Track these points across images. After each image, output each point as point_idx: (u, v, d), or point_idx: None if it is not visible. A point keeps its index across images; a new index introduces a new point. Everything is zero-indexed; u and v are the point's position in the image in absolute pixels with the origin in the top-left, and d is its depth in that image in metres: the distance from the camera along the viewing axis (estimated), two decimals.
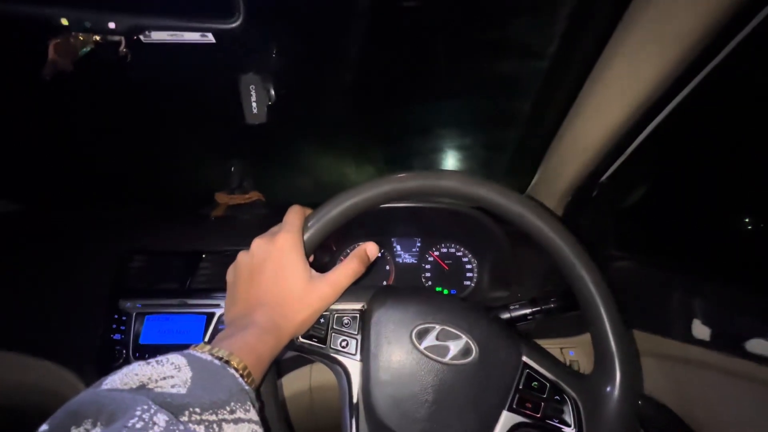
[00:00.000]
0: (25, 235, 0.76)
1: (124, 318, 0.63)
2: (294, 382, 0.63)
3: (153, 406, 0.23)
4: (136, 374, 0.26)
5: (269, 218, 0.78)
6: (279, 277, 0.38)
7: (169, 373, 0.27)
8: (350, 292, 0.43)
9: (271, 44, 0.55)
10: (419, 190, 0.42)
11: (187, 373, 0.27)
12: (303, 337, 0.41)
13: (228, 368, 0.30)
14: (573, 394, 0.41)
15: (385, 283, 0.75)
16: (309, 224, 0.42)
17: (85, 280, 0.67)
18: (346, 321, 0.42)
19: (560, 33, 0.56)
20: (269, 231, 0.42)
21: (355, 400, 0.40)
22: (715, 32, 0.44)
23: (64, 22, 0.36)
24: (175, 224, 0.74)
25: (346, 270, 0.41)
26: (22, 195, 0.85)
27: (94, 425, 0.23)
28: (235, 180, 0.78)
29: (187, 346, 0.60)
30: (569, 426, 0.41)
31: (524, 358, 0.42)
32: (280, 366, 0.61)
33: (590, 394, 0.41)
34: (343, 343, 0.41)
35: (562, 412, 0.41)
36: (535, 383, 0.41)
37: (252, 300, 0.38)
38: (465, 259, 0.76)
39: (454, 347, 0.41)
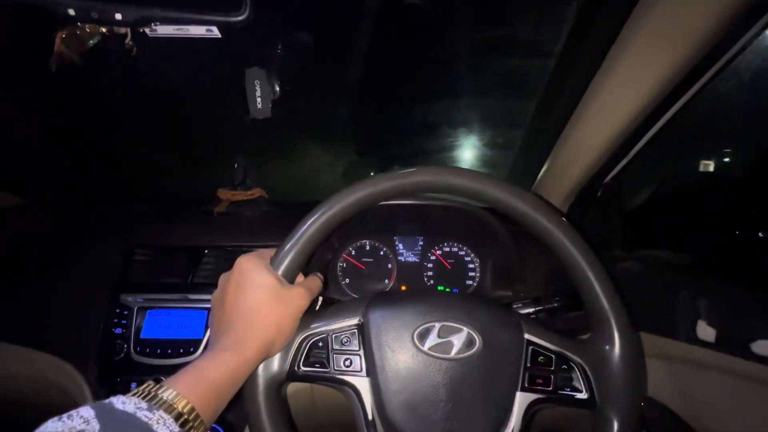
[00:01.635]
0: (30, 230, 0.77)
1: (125, 312, 0.63)
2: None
3: None
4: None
5: (271, 214, 0.78)
6: (240, 296, 0.38)
7: (79, 427, 0.26)
8: (343, 308, 0.43)
9: (277, 39, 0.55)
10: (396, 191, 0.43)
11: (94, 427, 0.26)
12: (304, 365, 0.41)
13: (144, 414, 0.28)
14: (578, 359, 0.42)
15: (387, 281, 0.74)
16: (280, 253, 0.41)
17: (88, 274, 0.67)
18: (345, 339, 0.42)
19: (567, 32, 0.55)
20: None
21: (370, 417, 0.40)
22: (723, 31, 0.44)
23: (71, 12, 0.36)
24: (178, 220, 0.74)
25: (315, 280, 0.44)
26: (26, 190, 0.85)
27: None
28: (238, 176, 0.78)
29: (188, 341, 0.61)
30: (581, 391, 0.41)
31: (526, 335, 0.42)
32: None
33: (593, 356, 0.42)
34: (347, 363, 0.41)
35: (572, 379, 0.42)
36: (541, 357, 0.42)
37: (222, 328, 0.38)
38: (467, 258, 0.75)
39: (457, 341, 0.41)
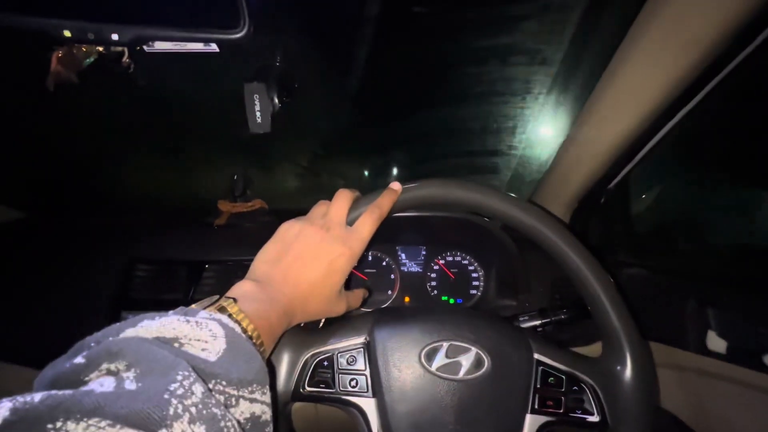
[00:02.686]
0: (28, 245, 0.76)
1: None
2: None
3: (192, 374, 0.24)
4: (174, 328, 0.27)
5: (272, 226, 0.77)
6: (325, 277, 0.38)
7: (205, 338, 0.27)
8: (350, 326, 0.42)
9: (276, 52, 0.54)
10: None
11: (221, 345, 0.27)
12: (309, 385, 0.40)
13: (257, 351, 0.30)
14: (588, 380, 0.41)
15: (390, 291, 0.74)
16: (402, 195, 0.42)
17: (88, 290, 0.66)
18: (350, 359, 0.41)
19: (569, 39, 0.55)
20: (340, 215, 0.41)
21: None
22: (728, 39, 0.44)
23: (67, 34, 0.35)
24: (178, 233, 0.73)
25: (356, 295, 0.44)
26: (24, 203, 0.84)
27: (128, 369, 0.23)
28: (238, 188, 0.77)
29: None
30: (592, 414, 0.40)
31: (536, 355, 0.41)
32: None
33: (604, 376, 0.41)
34: (353, 383, 0.40)
35: (583, 401, 0.41)
36: (551, 378, 0.41)
37: (291, 274, 0.37)
38: (471, 268, 0.75)
39: (466, 361, 0.40)
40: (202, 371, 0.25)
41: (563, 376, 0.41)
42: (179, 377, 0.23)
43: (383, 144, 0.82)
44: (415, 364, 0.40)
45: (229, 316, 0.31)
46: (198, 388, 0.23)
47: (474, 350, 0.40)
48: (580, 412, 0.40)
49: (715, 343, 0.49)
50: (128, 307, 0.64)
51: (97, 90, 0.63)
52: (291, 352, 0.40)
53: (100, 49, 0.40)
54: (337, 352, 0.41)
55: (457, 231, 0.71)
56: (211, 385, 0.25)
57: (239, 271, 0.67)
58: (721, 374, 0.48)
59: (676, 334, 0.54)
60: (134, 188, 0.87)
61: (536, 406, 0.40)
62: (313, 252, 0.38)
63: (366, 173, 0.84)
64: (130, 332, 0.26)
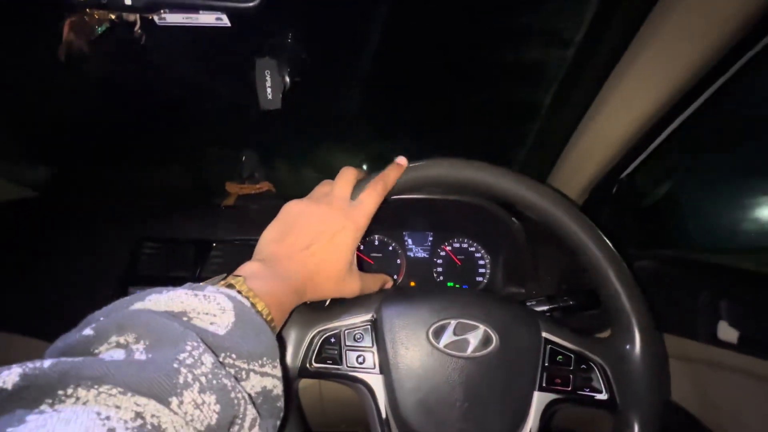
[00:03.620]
0: (38, 222, 0.77)
1: None
2: None
3: (201, 345, 0.23)
4: (182, 302, 0.27)
5: (279, 208, 0.77)
6: (331, 253, 0.38)
7: (213, 311, 0.27)
8: (357, 303, 0.42)
9: (288, 28, 0.54)
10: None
11: (230, 318, 0.27)
12: (316, 361, 0.40)
13: (267, 325, 0.30)
14: (597, 359, 0.41)
15: (395, 276, 0.73)
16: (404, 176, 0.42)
17: (96, 266, 0.67)
18: (357, 335, 0.41)
19: (587, 22, 0.53)
20: (345, 191, 0.41)
21: (384, 416, 0.39)
22: (749, 26, 0.42)
23: None
24: (187, 213, 0.74)
25: (375, 279, 0.44)
26: (34, 182, 0.85)
27: (137, 341, 0.23)
28: (246, 170, 0.78)
29: None
30: (601, 392, 0.40)
31: (544, 334, 0.41)
32: None
33: (613, 356, 0.41)
34: (360, 359, 0.40)
35: (591, 379, 0.41)
36: (560, 357, 0.41)
37: (296, 251, 0.37)
38: (478, 255, 0.74)
39: (474, 339, 0.40)
40: (212, 344, 0.25)
41: (572, 355, 0.41)
42: (188, 347, 0.23)
43: (393, 128, 0.81)
44: (423, 342, 0.40)
45: (239, 292, 0.31)
46: (208, 359, 0.23)
47: (482, 328, 0.40)
48: (588, 390, 0.40)
49: (727, 332, 0.48)
50: (136, 283, 0.64)
51: (107, 69, 0.63)
52: (297, 329, 0.40)
53: (112, 16, 0.40)
54: (344, 329, 0.41)
55: (465, 217, 0.71)
56: (221, 358, 0.25)
57: (246, 250, 0.67)
58: (732, 365, 0.48)
59: (686, 325, 0.53)
60: (143, 167, 0.88)
61: (544, 384, 0.40)
62: (316, 228, 0.38)
63: (375, 157, 0.84)
64: (138, 305, 0.26)
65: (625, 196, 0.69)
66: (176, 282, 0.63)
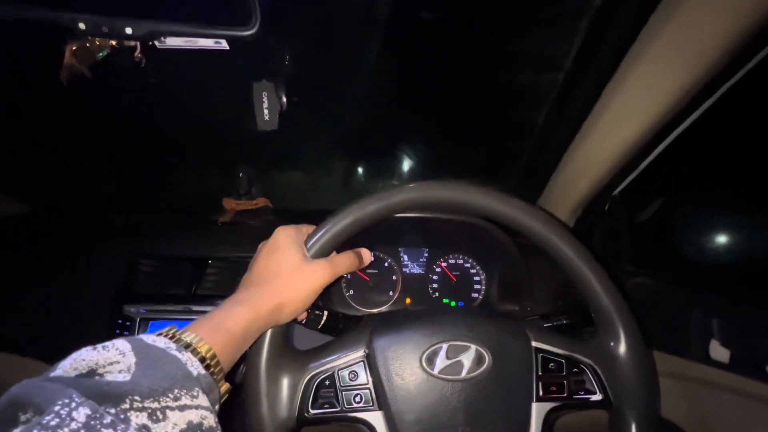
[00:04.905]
0: (34, 238, 0.76)
1: (128, 323, 0.62)
2: None
3: (76, 400, 0.22)
4: (84, 359, 0.26)
5: (276, 224, 0.77)
6: (266, 260, 0.39)
7: (115, 358, 0.26)
8: (346, 340, 0.42)
9: (285, 51, 0.55)
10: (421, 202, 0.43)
11: (131, 359, 0.26)
12: (313, 407, 0.39)
13: (174, 353, 0.28)
14: (587, 360, 0.42)
15: (391, 293, 0.74)
16: (316, 234, 0.41)
17: (92, 284, 0.67)
18: (351, 375, 0.40)
19: (578, 44, 0.55)
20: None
21: None
22: (737, 47, 0.44)
23: (82, 26, 0.36)
24: (183, 229, 0.74)
25: (346, 257, 0.43)
26: (31, 197, 0.85)
27: (26, 413, 0.22)
28: (243, 186, 0.78)
29: None
30: (594, 393, 0.41)
31: (534, 343, 0.42)
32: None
33: (600, 355, 0.42)
34: (357, 398, 0.40)
35: (584, 382, 0.41)
36: (552, 364, 0.41)
37: (243, 285, 0.39)
38: (473, 271, 0.75)
39: (467, 360, 0.40)
40: (115, 393, 0.24)
41: (563, 360, 0.41)
42: (57, 407, 0.21)
43: (388, 146, 0.82)
44: (418, 370, 0.40)
45: (158, 335, 0.30)
46: (82, 413, 0.21)
47: (473, 347, 0.40)
48: (582, 393, 0.41)
49: (718, 352, 0.48)
50: (132, 301, 0.64)
51: (106, 87, 0.64)
52: (290, 376, 0.40)
53: (113, 43, 0.41)
54: (337, 369, 0.40)
55: (460, 234, 0.71)
56: (126, 405, 0.24)
57: (242, 267, 0.67)
58: (724, 384, 0.48)
59: (679, 343, 0.54)
60: (140, 184, 0.88)
61: (540, 394, 0.40)
62: (268, 248, 0.41)
63: (371, 174, 0.85)
64: (53, 375, 0.25)
65: (617, 212, 0.70)
66: (172, 300, 0.63)
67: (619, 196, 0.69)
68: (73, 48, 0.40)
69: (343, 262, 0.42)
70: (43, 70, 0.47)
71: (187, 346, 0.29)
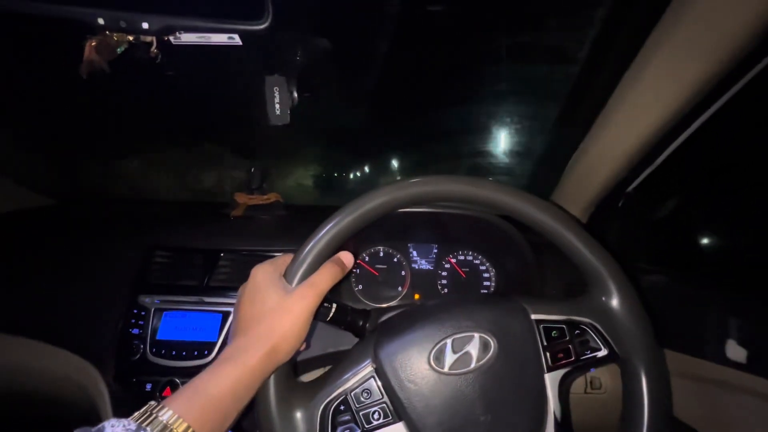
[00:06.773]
0: (53, 229, 0.79)
1: (143, 313, 0.64)
2: None
3: None
4: None
5: (287, 219, 0.79)
6: (248, 308, 0.39)
7: None
8: (351, 359, 0.42)
9: (298, 46, 0.56)
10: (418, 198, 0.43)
11: None
12: None
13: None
14: (585, 319, 0.42)
15: (400, 288, 0.74)
16: (294, 263, 0.41)
17: (109, 274, 0.69)
18: (365, 394, 0.40)
19: (593, 37, 0.54)
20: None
21: None
22: (757, 39, 0.42)
23: (101, 21, 0.37)
24: (197, 222, 0.75)
25: (326, 272, 0.41)
26: (51, 190, 0.88)
27: None
28: (254, 180, 0.79)
29: (202, 344, 0.61)
30: (600, 349, 0.42)
31: (533, 316, 0.42)
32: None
33: (596, 311, 0.43)
34: (375, 415, 0.39)
35: (588, 341, 0.42)
36: (554, 332, 0.42)
37: (233, 333, 0.39)
38: (483, 267, 0.74)
39: (473, 349, 0.40)
40: None
41: (563, 326, 0.42)
42: None
43: (399, 142, 0.82)
44: (428, 372, 0.40)
45: (134, 418, 0.30)
46: None
47: (477, 335, 0.41)
48: (589, 352, 0.42)
49: (735, 352, 0.47)
50: (147, 291, 0.65)
51: (125, 83, 0.66)
52: (302, 410, 0.39)
53: (131, 38, 0.42)
54: (349, 392, 0.40)
55: (470, 230, 0.71)
56: None
57: (253, 260, 0.68)
58: (741, 385, 0.47)
59: (695, 343, 0.52)
60: (156, 177, 0.90)
61: (550, 364, 0.41)
62: (248, 294, 0.40)
63: (381, 171, 0.85)
64: None
65: (631, 210, 0.69)
66: (185, 291, 0.65)
67: (634, 193, 0.67)
68: (93, 43, 0.41)
69: (324, 279, 0.40)
70: (64, 66, 0.48)
71: (159, 426, 0.30)
